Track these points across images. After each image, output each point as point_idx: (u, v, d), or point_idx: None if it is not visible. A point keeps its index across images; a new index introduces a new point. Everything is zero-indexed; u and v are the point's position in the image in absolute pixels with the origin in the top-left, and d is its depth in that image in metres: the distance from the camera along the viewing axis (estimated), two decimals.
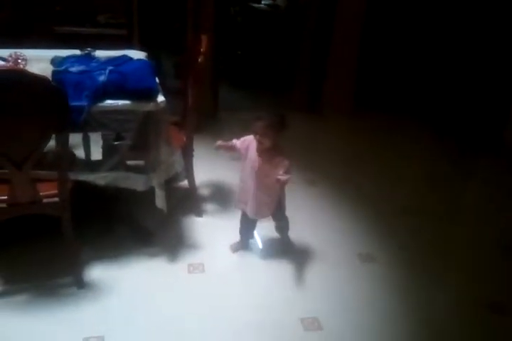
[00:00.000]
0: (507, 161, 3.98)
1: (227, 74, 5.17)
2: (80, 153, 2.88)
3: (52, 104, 1.83)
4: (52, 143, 1.97)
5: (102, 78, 2.15)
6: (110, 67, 2.22)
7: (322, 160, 3.84)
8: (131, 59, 2.46)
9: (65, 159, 2.05)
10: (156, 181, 2.35)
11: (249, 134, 2.33)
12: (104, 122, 2.14)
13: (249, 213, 2.43)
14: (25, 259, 2.39)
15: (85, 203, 2.50)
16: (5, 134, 1.85)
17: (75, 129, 2.11)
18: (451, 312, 2.34)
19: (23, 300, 2.18)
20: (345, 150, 4.09)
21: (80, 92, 2.07)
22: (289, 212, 2.54)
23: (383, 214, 3.11)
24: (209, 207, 3.02)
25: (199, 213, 2.90)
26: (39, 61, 2.39)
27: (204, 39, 2.61)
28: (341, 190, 3.37)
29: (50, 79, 2.03)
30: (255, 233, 2.66)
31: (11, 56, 2.41)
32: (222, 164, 3.41)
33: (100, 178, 2.23)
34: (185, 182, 2.89)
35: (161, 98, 2.23)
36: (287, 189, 2.40)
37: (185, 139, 2.74)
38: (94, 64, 2.33)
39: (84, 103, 2.07)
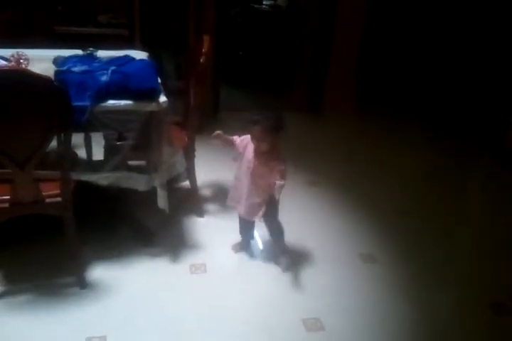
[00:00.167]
0: (507, 162, 3.98)
1: (228, 74, 5.17)
2: (82, 153, 2.88)
3: (54, 104, 1.83)
4: (54, 143, 1.97)
5: (104, 78, 2.15)
6: (113, 68, 2.22)
7: (323, 160, 3.84)
8: (133, 59, 2.46)
9: (68, 159, 2.05)
10: (158, 181, 2.35)
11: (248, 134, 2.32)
12: (107, 122, 2.14)
13: (240, 212, 2.42)
14: (27, 259, 2.39)
15: (87, 203, 2.50)
16: (7, 134, 1.85)
17: (78, 129, 2.12)
18: (453, 312, 2.35)
19: (25, 300, 2.18)
20: (346, 150, 4.09)
21: (82, 92, 2.07)
22: (290, 213, 2.54)
23: (384, 215, 3.11)
24: (210, 207, 3.02)
25: (200, 213, 2.90)
26: (41, 61, 2.39)
27: (206, 39, 2.61)
28: (342, 190, 3.37)
29: (53, 79, 2.03)
30: (256, 234, 2.66)
31: (13, 56, 2.40)
32: (223, 164, 3.40)
33: (103, 178, 2.23)
34: (186, 183, 2.89)
35: (163, 98, 2.23)
36: (287, 190, 2.34)
37: (186, 139, 2.74)
38: (96, 64, 2.33)
39: (86, 103, 2.07)
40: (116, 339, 2.00)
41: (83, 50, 2.56)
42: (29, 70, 1.95)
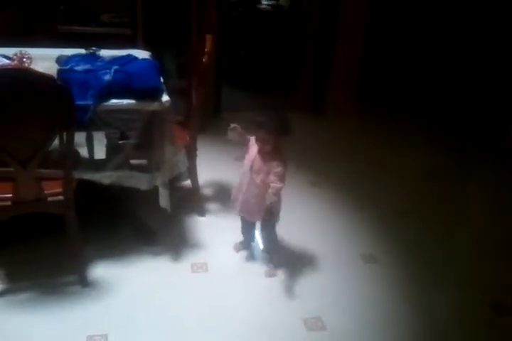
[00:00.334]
0: (507, 162, 3.98)
1: (230, 74, 5.17)
2: (84, 152, 2.88)
3: (57, 103, 1.84)
4: (57, 142, 1.97)
5: (107, 77, 2.15)
6: (115, 67, 2.23)
7: (325, 161, 3.84)
8: (136, 58, 2.46)
9: (70, 158, 2.05)
10: (160, 180, 2.35)
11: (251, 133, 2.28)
12: (109, 121, 2.15)
13: (240, 211, 2.41)
14: (28, 257, 2.40)
15: (89, 202, 2.51)
16: (10, 132, 1.86)
17: (80, 128, 2.12)
18: (453, 312, 2.35)
19: (26, 298, 2.19)
20: (348, 151, 4.09)
21: (85, 91, 2.08)
22: (292, 213, 2.54)
23: (386, 215, 3.11)
24: (212, 206, 3.02)
25: (202, 213, 2.91)
26: (44, 60, 2.39)
27: (208, 39, 2.61)
28: (344, 191, 3.38)
29: (56, 78, 2.03)
30: (257, 233, 2.66)
31: (16, 55, 2.41)
32: (225, 164, 3.42)
33: (105, 177, 2.24)
34: (188, 182, 2.90)
35: (165, 97, 2.23)
36: (289, 190, 2.35)
37: (188, 139, 2.75)
38: (99, 63, 2.34)
39: (89, 102, 2.07)
40: (118, 338, 2.01)
41: (86, 49, 2.56)
42: (32, 69, 1.96)
